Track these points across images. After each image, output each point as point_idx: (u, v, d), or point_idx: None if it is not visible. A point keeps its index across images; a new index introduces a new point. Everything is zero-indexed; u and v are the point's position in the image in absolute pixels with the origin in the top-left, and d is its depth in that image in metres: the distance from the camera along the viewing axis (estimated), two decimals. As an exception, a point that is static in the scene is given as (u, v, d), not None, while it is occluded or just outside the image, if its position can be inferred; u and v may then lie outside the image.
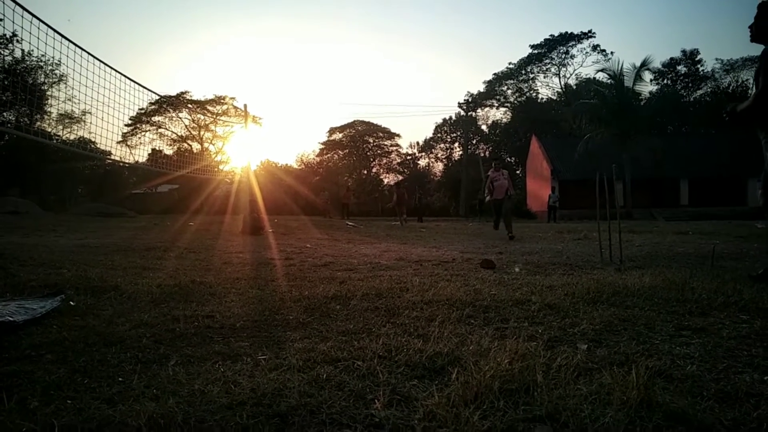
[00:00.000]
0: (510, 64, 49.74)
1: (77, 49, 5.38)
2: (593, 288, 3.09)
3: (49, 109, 30.74)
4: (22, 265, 4.23)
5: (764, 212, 3.50)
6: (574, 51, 47.76)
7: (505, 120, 50.27)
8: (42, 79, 30.90)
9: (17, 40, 25.44)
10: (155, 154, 31.06)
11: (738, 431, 1.26)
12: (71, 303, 2.82)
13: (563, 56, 48.29)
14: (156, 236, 9.14)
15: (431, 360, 1.81)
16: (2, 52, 27.60)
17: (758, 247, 6.33)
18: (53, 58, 26.37)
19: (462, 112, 46.58)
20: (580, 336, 2.14)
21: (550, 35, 47.52)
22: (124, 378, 1.67)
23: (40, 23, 4.73)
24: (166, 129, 42.42)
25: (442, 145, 53.76)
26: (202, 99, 41.00)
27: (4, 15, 4.29)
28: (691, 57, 43.71)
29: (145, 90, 7.52)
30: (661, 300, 2.79)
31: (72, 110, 31.25)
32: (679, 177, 29.48)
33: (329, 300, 2.98)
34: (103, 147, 7.99)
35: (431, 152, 54.06)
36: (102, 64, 5.95)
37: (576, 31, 46.77)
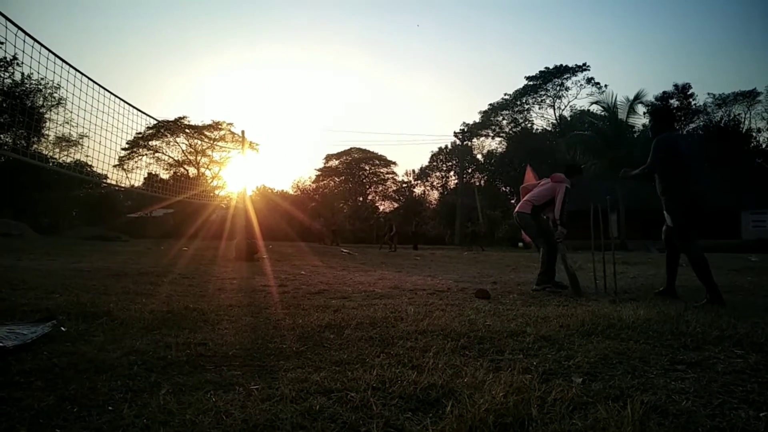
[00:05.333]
0: (505, 94, 50.53)
1: (77, 73, 5.49)
2: (588, 320, 3.08)
3: (46, 132, 30.90)
4: (14, 289, 4.19)
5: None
6: (568, 83, 48.64)
7: (500, 150, 50.81)
8: (40, 102, 31.13)
9: (17, 63, 25.70)
10: (151, 178, 31.07)
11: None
12: (62, 328, 2.79)
13: (558, 88, 49.15)
14: (150, 261, 9.08)
15: (425, 392, 1.79)
16: (2, 75, 27.88)
17: (752, 280, 6.35)
18: (52, 81, 26.81)
19: (458, 141, 47.09)
20: (575, 369, 2.13)
21: (545, 67, 48.47)
22: (114, 407, 1.65)
23: (42, 47, 4.82)
24: (162, 153, 42.47)
25: (437, 174, 54.23)
26: (200, 124, 41.03)
27: (5, 39, 4.38)
28: (683, 91, 44.49)
29: (143, 114, 7.62)
30: (655, 333, 2.79)
31: (69, 133, 31.41)
32: (673, 209, 29.63)
33: (323, 329, 2.96)
34: (99, 170, 8.05)
35: (427, 180, 54.48)
36: (101, 89, 6.05)
37: (571, 64, 47.80)
